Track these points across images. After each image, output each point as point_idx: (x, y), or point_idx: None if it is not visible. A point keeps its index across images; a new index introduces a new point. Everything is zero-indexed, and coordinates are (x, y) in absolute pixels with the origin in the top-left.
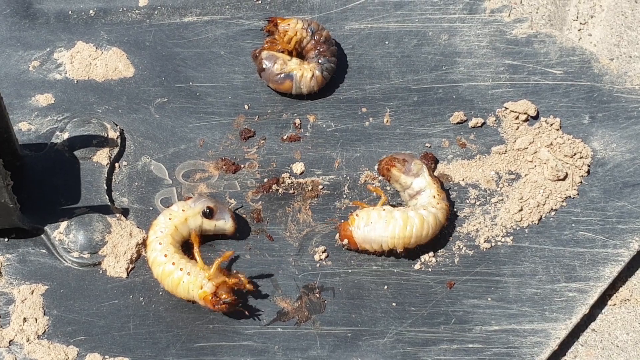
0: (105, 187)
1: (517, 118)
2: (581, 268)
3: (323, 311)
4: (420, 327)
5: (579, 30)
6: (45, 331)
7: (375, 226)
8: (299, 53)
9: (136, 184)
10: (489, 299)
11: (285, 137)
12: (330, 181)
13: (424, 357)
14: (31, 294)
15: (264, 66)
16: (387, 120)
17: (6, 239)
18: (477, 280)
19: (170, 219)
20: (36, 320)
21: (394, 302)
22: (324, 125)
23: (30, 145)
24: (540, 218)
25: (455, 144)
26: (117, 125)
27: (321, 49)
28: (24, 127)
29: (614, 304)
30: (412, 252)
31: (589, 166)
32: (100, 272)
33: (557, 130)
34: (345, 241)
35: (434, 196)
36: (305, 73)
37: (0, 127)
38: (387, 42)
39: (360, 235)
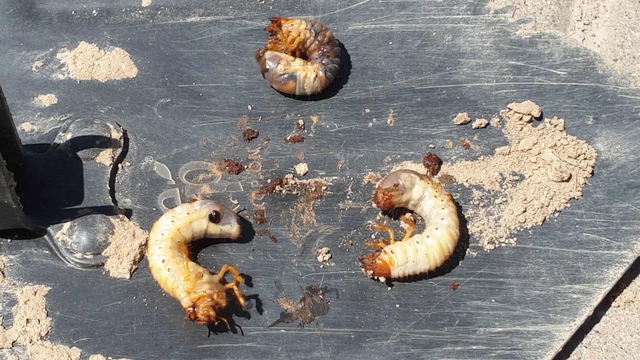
0: (109, 188)
1: (521, 119)
2: (585, 270)
3: (326, 313)
4: (424, 328)
5: (583, 30)
6: (48, 332)
7: (418, 262)
8: (303, 54)
9: (139, 184)
10: (493, 300)
11: (288, 138)
12: (334, 182)
13: (427, 358)
14: (34, 295)
15: (267, 67)
16: (391, 121)
17: (9, 240)
18: (481, 282)
19: (172, 221)
20: (39, 321)
21: (397, 304)
22: (328, 126)
23: (33, 145)
24: (544, 219)
25: (459, 145)
26: (120, 126)
27: (325, 50)
28: (27, 128)
29: (618, 306)
30: None
31: (593, 167)
32: (104, 273)
33: (561, 131)
34: (382, 278)
35: (435, 196)
36: (309, 74)
37: (3, 128)
38: (390, 43)
39: (400, 272)
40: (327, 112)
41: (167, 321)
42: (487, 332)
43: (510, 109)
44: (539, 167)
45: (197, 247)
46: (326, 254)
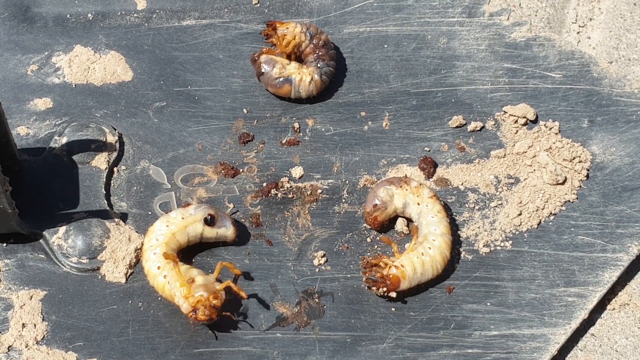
0: (104, 192)
1: (516, 122)
2: (580, 273)
3: (322, 316)
4: (420, 332)
5: (578, 33)
6: (44, 337)
7: (424, 273)
8: (298, 57)
9: (135, 188)
10: (488, 303)
11: (284, 141)
12: (330, 185)
13: None
14: (30, 300)
15: (262, 70)
16: (386, 124)
17: (5, 244)
18: (477, 285)
19: (167, 226)
20: (35, 325)
21: (393, 307)
22: (323, 129)
23: (28, 149)
24: (540, 222)
25: (454, 148)
26: (115, 130)
27: (320, 53)
28: (22, 132)
29: (613, 309)
30: None
31: (588, 170)
32: (99, 277)
33: (556, 134)
34: (393, 293)
35: (418, 203)
36: (304, 77)
37: None
38: (386, 46)
39: (408, 285)
40: (322, 116)
41: (163, 325)
42: (482, 335)
43: (505, 112)
44: (534, 170)
45: (193, 252)
46: (322, 257)
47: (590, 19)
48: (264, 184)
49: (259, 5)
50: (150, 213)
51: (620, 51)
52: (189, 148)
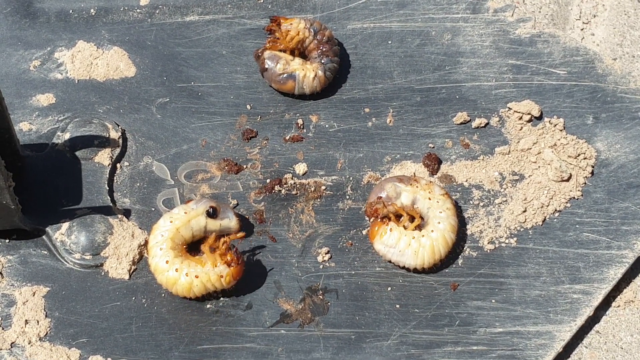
0: (107, 188)
1: (520, 118)
2: (585, 270)
3: (326, 313)
4: (424, 329)
5: (582, 29)
6: (47, 333)
7: (404, 255)
8: (302, 53)
9: (138, 184)
10: (493, 300)
11: (287, 138)
12: (333, 182)
13: (428, 359)
14: (33, 296)
15: (266, 66)
16: (390, 121)
17: (7, 240)
18: (481, 282)
19: (171, 221)
20: (38, 322)
21: (397, 304)
22: (327, 126)
23: (31, 145)
24: (544, 219)
25: (459, 145)
26: (118, 126)
27: (324, 49)
28: (25, 127)
29: (618, 306)
30: None
31: (592, 167)
32: (102, 273)
33: (561, 130)
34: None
35: (429, 198)
36: (308, 73)
37: (1, 128)
38: (389, 42)
39: (383, 251)
40: (326, 112)
41: (167, 322)
42: (487, 332)
43: (509, 109)
44: (539, 166)
45: (197, 248)
46: (326, 254)
47: (594, 16)
48: (268, 181)
49: (262, 1)
50: (153, 209)
51: (625, 48)
52: (192, 144)
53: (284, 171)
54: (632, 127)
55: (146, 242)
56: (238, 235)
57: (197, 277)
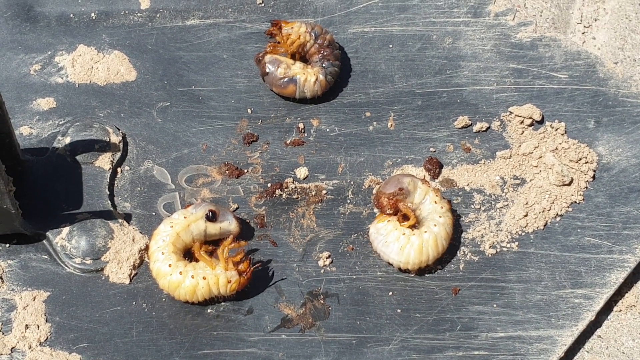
0: (108, 192)
1: (522, 122)
2: (587, 274)
3: (327, 318)
4: (426, 333)
5: (583, 33)
6: (47, 338)
7: (389, 246)
8: (303, 57)
9: (139, 189)
10: (495, 305)
11: (288, 142)
12: (334, 186)
13: None
14: (33, 301)
15: (267, 70)
16: (391, 125)
17: (8, 245)
18: (483, 287)
19: (171, 226)
20: (38, 327)
21: (399, 309)
22: (328, 130)
23: (31, 149)
24: (546, 224)
25: (460, 149)
26: (119, 130)
27: (325, 53)
28: (25, 132)
29: (620, 310)
30: None
31: (594, 171)
32: (103, 278)
33: (562, 134)
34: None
35: (435, 201)
36: (309, 77)
37: (1, 132)
38: (391, 46)
39: (372, 235)
40: (327, 116)
41: (168, 327)
42: (489, 337)
43: (511, 113)
44: (540, 171)
45: (191, 255)
46: (327, 258)
47: (595, 20)
48: (269, 185)
49: (263, 4)
50: (154, 214)
51: (626, 52)
52: (193, 148)
53: (285, 175)
54: (634, 131)
55: (147, 247)
56: (241, 243)
57: (204, 278)
